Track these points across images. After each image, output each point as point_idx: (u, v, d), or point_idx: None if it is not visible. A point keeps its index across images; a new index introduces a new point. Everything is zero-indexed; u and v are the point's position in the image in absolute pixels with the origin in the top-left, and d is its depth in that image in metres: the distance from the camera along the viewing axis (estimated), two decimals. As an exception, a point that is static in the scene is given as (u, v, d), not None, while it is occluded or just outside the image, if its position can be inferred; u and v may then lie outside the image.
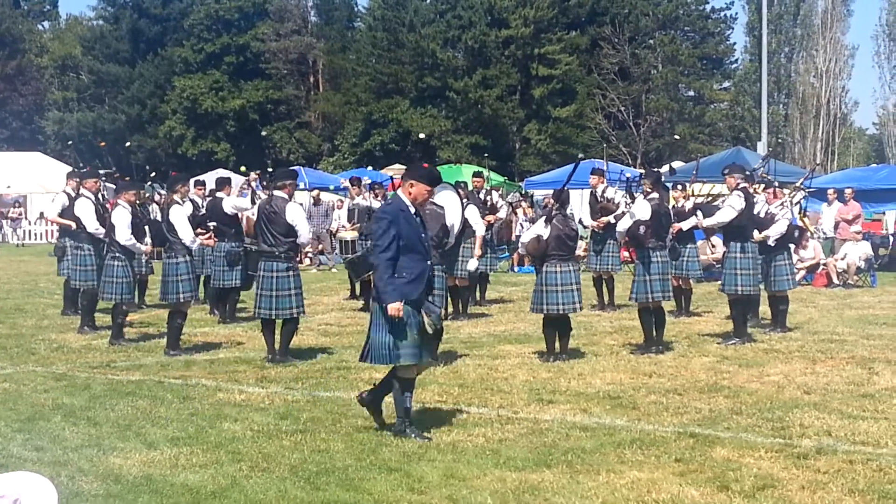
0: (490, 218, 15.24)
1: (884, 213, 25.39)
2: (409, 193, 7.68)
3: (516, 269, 23.14)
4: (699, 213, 13.38)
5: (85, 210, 13.29)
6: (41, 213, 38.90)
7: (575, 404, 8.65)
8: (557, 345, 10.95)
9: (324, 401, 8.82)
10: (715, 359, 10.97)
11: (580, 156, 15.20)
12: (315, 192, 25.64)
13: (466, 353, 11.35)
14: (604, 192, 15.57)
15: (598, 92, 54.42)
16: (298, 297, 10.76)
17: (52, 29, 72.56)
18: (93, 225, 13.09)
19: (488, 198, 15.82)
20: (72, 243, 14.43)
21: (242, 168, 18.98)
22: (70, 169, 19.63)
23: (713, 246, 19.17)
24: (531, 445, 7.28)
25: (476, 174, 16.57)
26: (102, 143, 19.67)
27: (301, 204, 25.63)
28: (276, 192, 10.91)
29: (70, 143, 18.56)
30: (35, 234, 40.55)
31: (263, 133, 50.73)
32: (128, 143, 38.26)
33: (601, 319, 14.46)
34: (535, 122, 55.06)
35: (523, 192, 32.99)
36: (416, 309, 7.46)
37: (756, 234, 12.52)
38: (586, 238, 17.42)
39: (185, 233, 11.47)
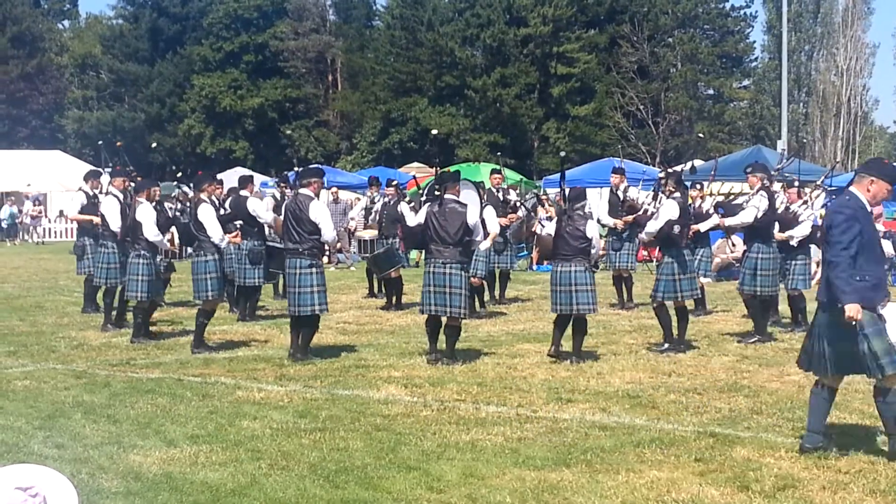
0: (513, 216, 15.21)
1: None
2: (868, 191, 6.93)
3: (535, 267, 23.11)
4: (720, 211, 13.31)
5: (110, 208, 13.38)
6: (61, 212, 39.15)
7: (594, 403, 8.62)
8: (570, 344, 10.90)
9: (343, 399, 8.82)
10: (735, 358, 10.92)
11: (564, 167, 15.33)
12: (333, 190, 25.67)
13: (485, 351, 11.33)
14: (625, 190, 15.51)
15: (617, 90, 54.27)
16: (321, 294, 10.74)
17: (72, 28, 72.98)
18: (116, 223, 13.16)
19: (507, 196, 15.74)
20: (91, 242, 14.58)
21: (287, 172, 19.07)
22: (89, 168, 19.74)
23: (733, 245, 19.06)
24: (550, 444, 7.26)
25: (494, 171, 16.42)
26: (119, 143, 19.89)
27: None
28: (302, 190, 10.98)
29: (101, 142, 18.66)
30: (55, 232, 40.80)
31: (288, 132, 50.66)
32: (154, 144, 38.32)
33: (620, 318, 14.42)
34: (553, 121, 54.99)
35: (542, 190, 32.93)
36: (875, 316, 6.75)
37: (778, 234, 12.48)
38: (604, 235, 17.40)
39: (214, 231, 11.45)
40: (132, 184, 13.58)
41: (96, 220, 14.73)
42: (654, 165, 39.44)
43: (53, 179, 43.11)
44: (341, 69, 61.84)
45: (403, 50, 57.05)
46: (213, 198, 15.24)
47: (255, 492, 6.19)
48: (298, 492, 6.19)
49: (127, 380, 9.73)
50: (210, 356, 11.07)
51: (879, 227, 20.82)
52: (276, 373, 10.09)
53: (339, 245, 25.60)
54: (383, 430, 7.67)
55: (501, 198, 15.47)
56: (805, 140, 57.78)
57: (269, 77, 59.97)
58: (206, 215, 11.48)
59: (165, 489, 6.23)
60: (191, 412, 8.31)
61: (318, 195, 11.00)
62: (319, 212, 10.75)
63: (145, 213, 12.04)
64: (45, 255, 30.47)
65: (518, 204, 15.65)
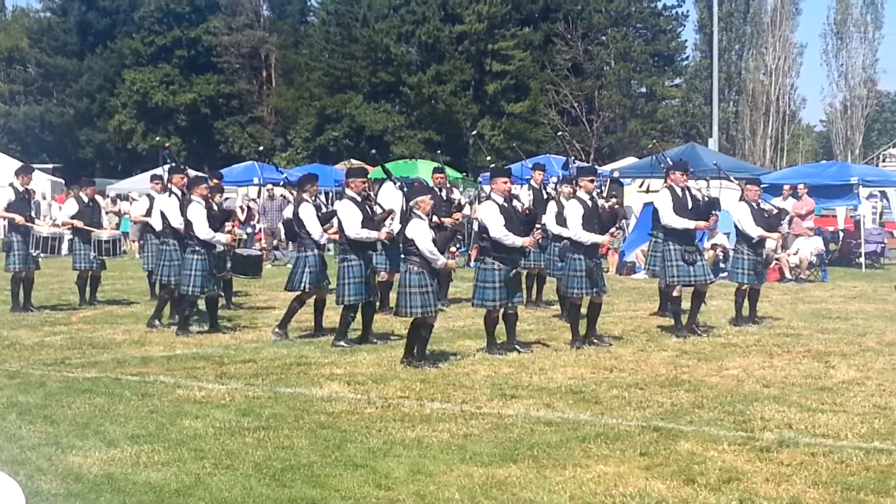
0: (457, 216, 15.13)
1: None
2: None
3: (472, 264, 23.12)
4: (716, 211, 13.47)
5: (171, 206, 13.37)
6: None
7: (538, 399, 8.65)
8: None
9: (285, 397, 8.74)
10: (674, 353, 11.05)
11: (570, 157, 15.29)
12: (269, 187, 25.49)
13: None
14: (545, 187, 15.58)
15: (552, 88, 54.55)
16: (351, 286, 11.43)
17: (-2, 21, 71.32)
18: (178, 220, 13.08)
19: (451, 195, 15.66)
20: (19, 238, 14.55)
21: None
22: (18, 164, 19.48)
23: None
24: (496, 440, 7.26)
25: (437, 170, 16.35)
26: (167, 145, 20.02)
27: (255, 200, 25.26)
28: (347, 190, 11.79)
29: (164, 141, 18.44)
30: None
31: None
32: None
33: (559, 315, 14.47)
34: (488, 118, 55.04)
35: (480, 187, 33.02)
36: None
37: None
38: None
39: (314, 228, 12.04)
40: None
41: (19, 218, 14.54)
42: (588, 162, 39.73)
43: (-21, 175, 42.12)
44: (275, 65, 61.27)
45: (338, 46, 56.70)
46: (153, 193, 15.27)
47: (200, 491, 6.09)
48: (244, 491, 6.11)
49: (63, 379, 9.52)
50: (147, 355, 10.90)
51: (809, 223, 21.33)
52: (216, 371, 9.97)
53: (275, 242, 25.42)
54: (328, 428, 7.61)
55: (445, 197, 15.40)
56: (735, 138, 58.72)
57: (202, 72, 59.20)
58: (307, 213, 12.07)
59: (107, 490, 6.11)
60: (130, 412, 8.16)
61: (360, 194, 11.61)
62: (342, 210, 11.60)
63: (195, 212, 12.29)
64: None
65: (462, 203, 15.56)
